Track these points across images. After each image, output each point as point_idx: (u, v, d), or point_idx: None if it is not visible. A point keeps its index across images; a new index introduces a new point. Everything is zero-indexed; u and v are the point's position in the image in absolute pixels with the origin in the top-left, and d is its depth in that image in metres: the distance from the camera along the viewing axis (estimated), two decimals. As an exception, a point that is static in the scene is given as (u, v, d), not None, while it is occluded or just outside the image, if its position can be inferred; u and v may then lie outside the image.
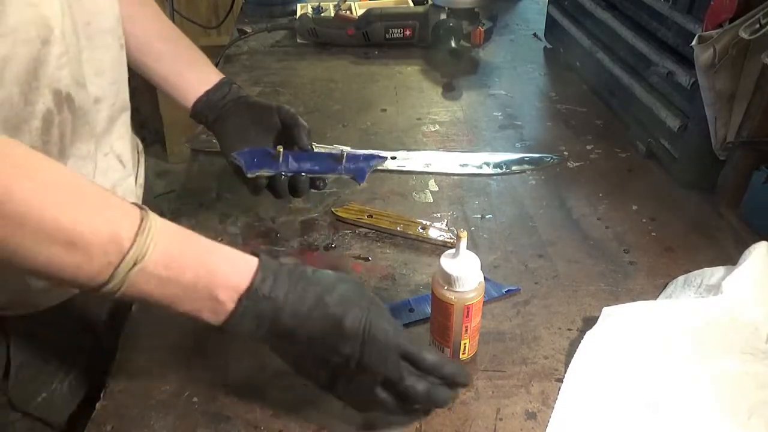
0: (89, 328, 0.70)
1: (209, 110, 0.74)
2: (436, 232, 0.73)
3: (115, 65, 0.62)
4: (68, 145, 0.54)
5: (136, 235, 0.42)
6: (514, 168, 0.88)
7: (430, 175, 0.87)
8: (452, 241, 0.72)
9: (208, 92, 0.74)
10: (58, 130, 0.52)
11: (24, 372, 0.61)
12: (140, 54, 0.72)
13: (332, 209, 0.78)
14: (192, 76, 0.75)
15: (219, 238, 0.73)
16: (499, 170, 0.88)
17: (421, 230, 0.74)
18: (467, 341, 0.56)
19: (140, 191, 0.71)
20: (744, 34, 0.65)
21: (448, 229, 0.74)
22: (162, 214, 0.46)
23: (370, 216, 0.76)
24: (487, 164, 0.89)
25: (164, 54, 0.74)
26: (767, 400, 0.53)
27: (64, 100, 0.52)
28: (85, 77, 0.56)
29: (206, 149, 0.91)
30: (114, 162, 0.64)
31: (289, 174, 0.70)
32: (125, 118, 0.66)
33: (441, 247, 0.72)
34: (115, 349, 0.60)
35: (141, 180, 0.72)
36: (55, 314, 0.63)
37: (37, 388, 0.64)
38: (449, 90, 1.12)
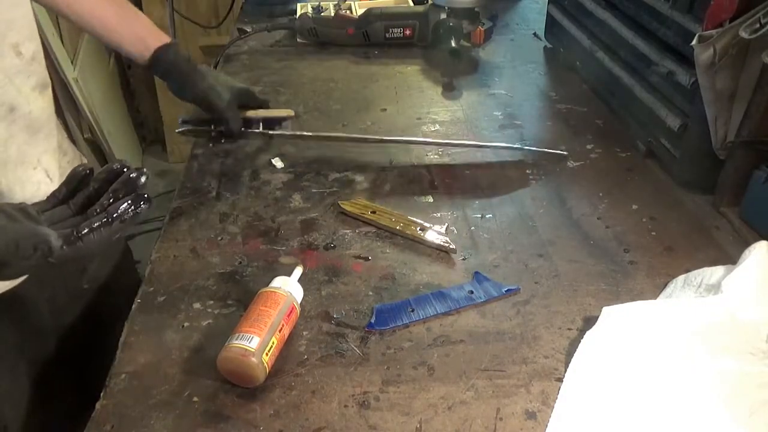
0: (34, 332, 0.70)
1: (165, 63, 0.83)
2: (434, 234, 0.73)
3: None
4: None
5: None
6: (514, 168, 0.88)
7: (430, 175, 0.87)
8: (448, 245, 0.72)
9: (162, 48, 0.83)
10: None
11: None
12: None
13: (338, 202, 0.78)
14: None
15: (219, 238, 0.74)
16: (499, 170, 0.88)
17: (419, 231, 0.73)
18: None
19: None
20: (744, 34, 0.65)
21: (447, 230, 0.74)
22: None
23: (374, 212, 0.76)
24: (487, 164, 0.89)
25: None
26: (767, 399, 0.53)
27: None
28: None
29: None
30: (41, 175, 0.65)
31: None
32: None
33: (437, 250, 0.72)
34: (114, 350, 0.60)
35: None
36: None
37: None
38: (449, 89, 1.12)
